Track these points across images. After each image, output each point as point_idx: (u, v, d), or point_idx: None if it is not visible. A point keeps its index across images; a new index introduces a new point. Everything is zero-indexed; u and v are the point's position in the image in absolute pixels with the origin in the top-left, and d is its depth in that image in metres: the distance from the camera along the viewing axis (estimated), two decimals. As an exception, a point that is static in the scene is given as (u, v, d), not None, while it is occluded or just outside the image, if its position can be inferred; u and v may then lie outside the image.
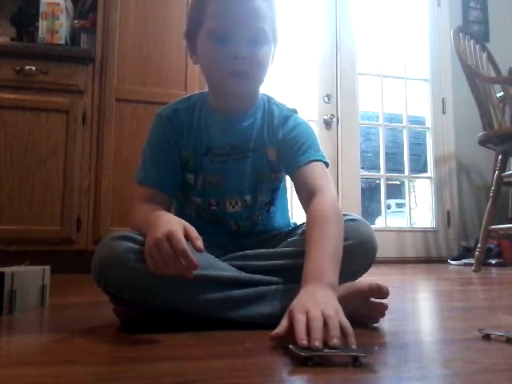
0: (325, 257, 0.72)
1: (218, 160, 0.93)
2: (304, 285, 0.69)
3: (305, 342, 0.55)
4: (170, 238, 0.68)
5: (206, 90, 0.98)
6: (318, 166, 0.89)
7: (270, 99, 0.98)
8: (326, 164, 0.91)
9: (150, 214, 0.81)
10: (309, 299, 0.64)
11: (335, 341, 0.56)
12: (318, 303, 0.62)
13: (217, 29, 0.84)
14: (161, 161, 0.93)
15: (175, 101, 0.98)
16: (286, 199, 1.07)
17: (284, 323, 0.62)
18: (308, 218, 0.81)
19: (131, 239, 0.76)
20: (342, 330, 0.59)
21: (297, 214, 1.00)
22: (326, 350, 0.55)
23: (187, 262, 0.68)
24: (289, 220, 1.06)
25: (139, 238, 0.75)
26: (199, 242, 0.69)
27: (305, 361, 0.54)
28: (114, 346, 0.69)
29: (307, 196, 0.85)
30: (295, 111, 0.98)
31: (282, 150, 0.93)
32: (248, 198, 0.95)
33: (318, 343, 0.55)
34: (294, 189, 0.92)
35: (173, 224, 0.71)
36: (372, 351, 0.56)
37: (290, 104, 1.01)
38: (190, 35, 0.91)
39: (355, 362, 0.54)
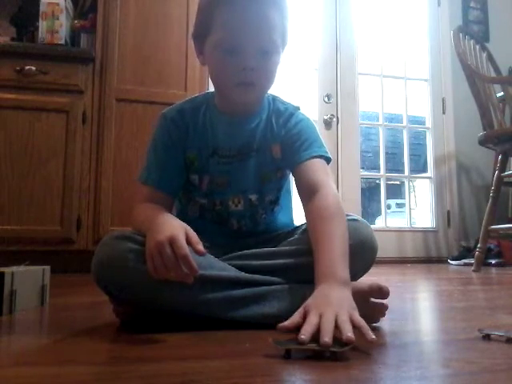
0: (335, 254, 0.73)
1: (224, 162, 0.93)
2: (318, 284, 0.70)
3: (303, 337, 0.57)
4: (172, 242, 0.68)
5: (208, 90, 0.98)
6: (318, 162, 0.89)
7: (275, 98, 0.98)
8: (329, 159, 0.92)
9: (151, 213, 0.81)
10: (324, 300, 0.65)
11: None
12: (333, 305, 0.63)
13: (226, 40, 0.82)
14: (165, 162, 0.92)
15: (181, 101, 0.97)
16: (291, 197, 1.06)
17: (296, 318, 0.63)
18: (312, 215, 0.82)
19: (131, 239, 0.76)
20: (359, 328, 0.60)
21: (300, 213, 0.99)
22: (309, 345, 0.56)
23: (188, 267, 0.68)
24: (292, 219, 1.05)
25: (139, 238, 0.75)
26: (200, 246, 0.70)
27: (286, 353, 0.57)
28: (114, 345, 0.69)
29: (307, 192, 0.85)
30: (298, 108, 0.98)
31: (285, 146, 0.94)
32: (254, 197, 0.95)
33: (327, 339, 0.56)
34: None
35: (175, 228, 0.71)
36: (347, 348, 0.57)
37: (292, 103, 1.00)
38: (197, 37, 0.90)
39: (332, 356, 0.56)
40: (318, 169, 0.88)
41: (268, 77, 0.87)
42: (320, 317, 0.61)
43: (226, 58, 0.83)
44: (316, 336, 0.57)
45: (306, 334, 0.58)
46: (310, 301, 0.66)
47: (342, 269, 0.71)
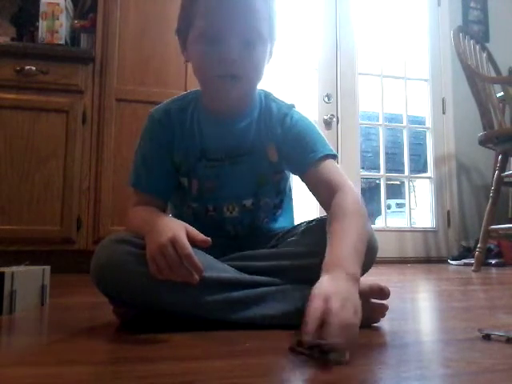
0: (346, 247, 0.68)
1: (213, 165, 0.89)
2: (324, 273, 0.64)
3: (307, 338, 0.54)
4: (174, 242, 0.68)
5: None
6: (329, 163, 0.86)
7: (267, 95, 0.94)
8: (335, 156, 0.88)
9: (147, 215, 0.81)
10: (330, 285, 0.60)
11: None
12: (340, 293, 0.59)
13: (205, 30, 0.79)
14: (152, 165, 0.90)
15: (170, 99, 0.94)
16: (292, 200, 1.04)
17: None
18: (330, 216, 0.77)
19: (130, 242, 0.75)
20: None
21: (300, 216, 0.98)
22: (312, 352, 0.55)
23: (193, 266, 0.67)
24: (293, 222, 1.02)
25: (138, 241, 0.75)
26: (204, 237, 0.70)
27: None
28: (114, 345, 0.69)
29: (328, 195, 0.81)
30: (293, 106, 0.94)
31: (284, 150, 0.90)
32: (248, 202, 0.92)
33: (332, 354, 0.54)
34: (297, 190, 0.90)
35: (176, 228, 0.71)
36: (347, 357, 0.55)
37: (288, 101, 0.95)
38: (180, 32, 0.86)
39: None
40: (330, 170, 0.85)
41: (254, 69, 0.83)
42: (326, 302, 0.56)
43: (205, 49, 0.80)
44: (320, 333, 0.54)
45: (309, 328, 0.54)
46: (314, 289, 0.60)
47: (352, 262, 0.66)
